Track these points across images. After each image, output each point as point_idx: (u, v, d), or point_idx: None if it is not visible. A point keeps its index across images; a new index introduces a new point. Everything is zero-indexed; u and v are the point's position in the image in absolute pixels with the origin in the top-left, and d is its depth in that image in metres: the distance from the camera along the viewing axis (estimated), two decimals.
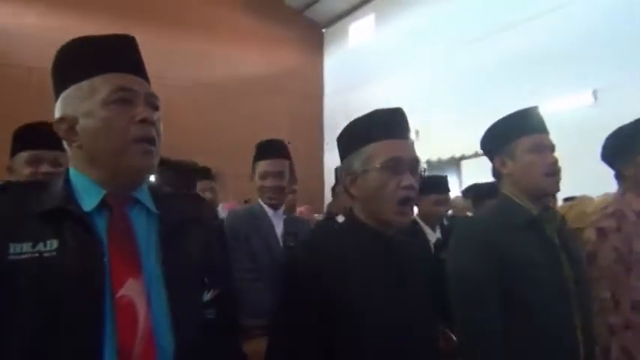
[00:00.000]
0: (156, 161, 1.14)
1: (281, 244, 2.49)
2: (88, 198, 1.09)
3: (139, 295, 1.04)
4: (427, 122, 10.65)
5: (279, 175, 2.51)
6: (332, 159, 12.12)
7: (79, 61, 1.13)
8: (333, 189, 3.84)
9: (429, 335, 1.46)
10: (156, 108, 1.15)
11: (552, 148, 1.74)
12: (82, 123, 1.10)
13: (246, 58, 12.00)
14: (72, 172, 1.14)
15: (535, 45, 8.80)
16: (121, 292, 1.03)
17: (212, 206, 2.31)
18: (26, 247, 1.00)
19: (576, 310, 1.68)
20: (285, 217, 2.59)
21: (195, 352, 1.10)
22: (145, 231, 1.13)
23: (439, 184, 3.07)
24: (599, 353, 1.83)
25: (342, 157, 1.45)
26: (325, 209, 9.00)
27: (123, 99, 1.10)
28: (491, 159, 1.84)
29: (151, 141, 1.11)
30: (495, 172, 1.84)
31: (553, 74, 8.55)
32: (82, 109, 1.10)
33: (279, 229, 2.53)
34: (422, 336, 1.40)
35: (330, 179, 9.08)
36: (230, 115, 11.21)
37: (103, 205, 1.09)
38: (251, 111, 11.53)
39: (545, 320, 1.61)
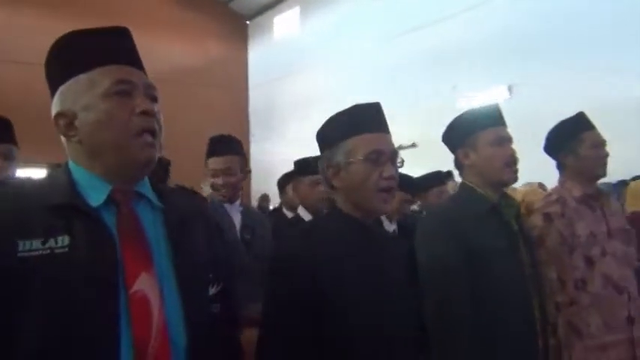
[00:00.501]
0: (158, 153, 1.12)
1: (238, 236, 2.51)
2: (94, 193, 1.07)
3: (152, 290, 1.03)
4: None
5: (228, 171, 2.53)
6: (258, 151, 12.08)
7: (76, 54, 1.10)
8: (281, 183, 3.82)
9: (411, 323, 1.52)
10: (154, 99, 1.14)
11: (510, 140, 1.87)
12: (82, 117, 1.07)
13: (171, 49, 11.72)
14: (72, 166, 1.11)
15: (454, 41, 9.20)
16: (135, 287, 1.01)
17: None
18: (36, 243, 0.97)
19: (533, 292, 1.83)
20: (242, 209, 2.60)
21: (207, 348, 1.10)
22: (152, 226, 1.11)
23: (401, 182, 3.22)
24: (549, 330, 1.99)
25: (323, 149, 1.49)
26: (258, 202, 8.99)
27: (123, 91, 1.08)
28: (454, 151, 1.95)
29: (152, 133, 1.10)
30: (457, 163, 1.95)
31: (471, 70, 8.99)
32: (81, 102, 1.07)
33: (237, 221, 2.54)
34: (405, 324, 1.46)
35: (256, 171, 9.06)
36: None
37: (109, 200, 1.07)
38: (176, 102, 11.22)
39: (507, 303, 1.73)
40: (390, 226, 2.93)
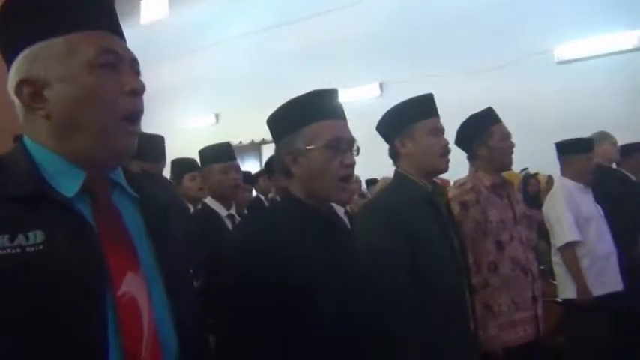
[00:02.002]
0: (136, 141, 0.98)
1: None
2: (65, 180, 0.90)
3: (140, 292, 0.90)
4: (227, 106, 10.69)
5: None
6: None
7: (49, 12, 0.92)
8: (178, 173, 3.58)
9: (369, 309, 1.53)
10: (139, 75, 0.99)
11: (444, 131, 1.95)
12: (58, 88, 0.90)
13: None
14: (32, 146, 0.92)
15: (329, 37, 9.43)
16: (122, 288, 0.87)
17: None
18: (1, 240, 0.79)
19: (463, 275, 1.93)
20: None
21: (198, 350, 1.00)
22: (132, 219, 0.97)
23: None
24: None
25: (279, 136, 1.43)
26: None
27: (109, 64, 0.92)
28: (389, 140, 1.98)
29: (139, 117, 0.96)
30: (392, 153, 1.98)
31: (345, 66, 9.27)
32: (57, 71, 0.90)
33: None
34: (365, 311, 1.47)
35: None
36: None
37: (82, 189, 0.91)
38: None
39: (444, 287, 1.81)
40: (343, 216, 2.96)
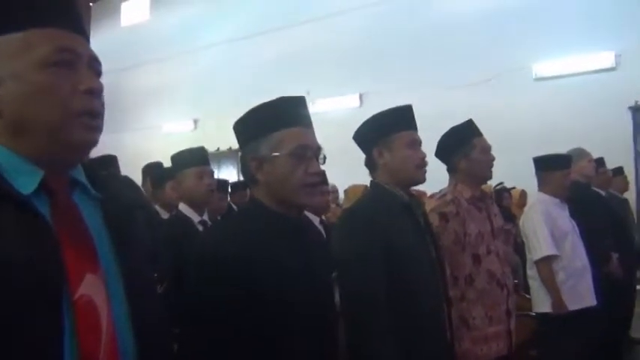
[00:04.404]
0: (99, 136, 0.94)
1: None
2: (22, 178, 0.86)
3: (99, 294, 0.86)
4: (206, 112, 10.62)
5: None
6: (99, 144, 11.11)
7: (10, 6, 0.88)
8: (159, 179, 3.50)
9: (335, 315, 1.51)
10: (99, 75, 0.95)
11: (421, 143, 1.93)
12: (9, 86, 0.86)
13: None
14: None
15: (310, 47, 9.45)
16: (80, 291, 0.83)
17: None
18: None
19: (440, 285, 1.91)
20: None
21: (159, 355, 0.96)
22: (92, 219, 0.93)
23: (322, 177, 3.21)
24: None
25: (245, 141, 1.42)
26: None
27: (64, 62, 0.89)
28: (367, 150, 1.96)
29: (97, 116, 0.92)
30: (369, 162, 1.96)
31: (325, 76, 9.30)
32: (9, 67, 0.86)
33: None
34: (331, 316, 1.45)
35: None
36: None
37: (40, 187, 0.87)
38: None
39: (422, 296, 1.79)
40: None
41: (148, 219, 1.01)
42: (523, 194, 5.64)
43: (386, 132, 1.90)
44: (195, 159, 2.67)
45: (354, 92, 9.13)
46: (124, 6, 12.08)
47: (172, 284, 1.82)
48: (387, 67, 8.67)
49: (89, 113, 0.90)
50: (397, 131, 1.89)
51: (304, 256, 1.37)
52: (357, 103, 9.14)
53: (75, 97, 0.88)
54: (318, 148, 1.40)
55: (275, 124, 1.36)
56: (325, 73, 9.30)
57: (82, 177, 0.96)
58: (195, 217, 2.58)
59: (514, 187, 6.15)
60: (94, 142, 0.92)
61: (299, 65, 9.51)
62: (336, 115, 8.51)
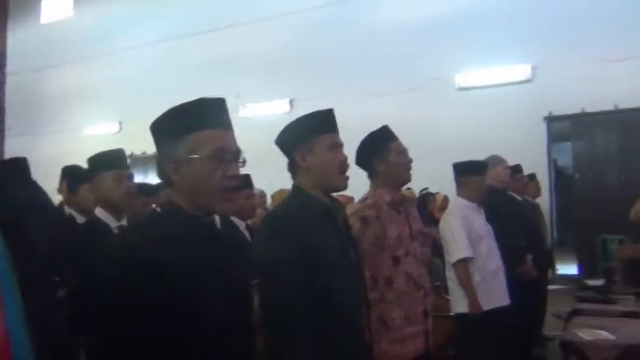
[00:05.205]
0: None
1: None
2: None
3: None
4: (131, 114, 10.27)
5: None
6: (14, 147, 10.57)
7: None
8: (75, 183, 3.33)
9: (252, 320, 1.50)
10: None
11: (342, 146, 1.96)
12: None
13: None
14: None
15: (242, 50, 9.39)
16: None
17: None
18: None
19: (360, 288, 1.94)
20: None
21: (54, 356, 0.92)
22: None
23: (247, 181, 3.21)
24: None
25: (161, 142, 1.38)
26: None
27: None
28: (289, 153, 1.96)
29: None
30: (292, 166, 1.96)
31: (255, 81, 9.27)
32: None
33: None
34: (248, 321, 1.44)
35: None
36: None
37: None
38: None
39: (341, 300, 1.80)
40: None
41: (52, 221, 0.95)
42: (445, 199, 5.83)
43: (308, 135, 1.91)
44: (112, 162, 2.58)
45: (284, 97, 9.15)
46: (44, 2, 11.51)
47: (81, 289, 1.75)
48: (317, 74, 8.76)
49: None
50: (319, 134, 1.90)
51: (221, 261, 1.35)
52: (287, 108, 9.17)
53: None
54: (238, 151, 1.38)
55: (193, 125, 1.33)
56: (255, 78, 9.26)
57: None
58: (112, 222, 2.48)
59: (438, 192, 6.36)
60: None
61: (228, 69, 9.41)
62: (265, 120, 8.49)
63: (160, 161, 1.37)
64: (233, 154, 1.36)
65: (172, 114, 1.37)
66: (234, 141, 1.40)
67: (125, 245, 1.31)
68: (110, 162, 2.57)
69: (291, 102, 9.14)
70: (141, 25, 10.38)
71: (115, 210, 2.55)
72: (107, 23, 10.72)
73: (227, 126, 1.39)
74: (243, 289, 1.45)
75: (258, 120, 8.63)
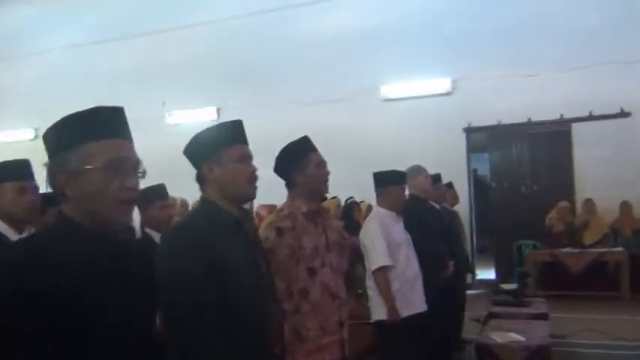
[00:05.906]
0: None
1: None
2: None
3: None
4: (49, 121, 9.60)
5: None
6: None
7: None
8: None
9: (152, 335, 1.45)
10: None
11: (252, 157, 1.94)
12: None
13: None
14: None
15: (168, 57, 9.20)
16: None
17: None
18: None
19: (270, 300, 1.92)
20: None
21: None
22: None
23: (161, 191, 3.13)
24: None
25: (54, 152, 1.31)
26: None
27: None
28: (197, 165, 1.92)
29: None
30: (199, 177, 1.93)
31: (182, 88, 9.10)
32: None
33: None
34: (150, 337, 1.39)
35: None
36: None
37: None
38: None
39: (249, 312, 1.77)
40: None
41: None
42: (369, 208, 5.94)
43: (215, 146, 1.88)
44: (15, 172, 2.44)
45: (211, 105, 9.03)
46: None
47: None
48: (245, 82, 8.73)
49: None
50: (227, 146, 1.88)
51: (120, 276, 1.29)
52: (214, 116, 9.06)
53: None
54: (137, 162, 1.33)
55: (88, 134, 1.26)
56: (182, 85, 9.10)
57: None
58: (13, 236, 2.35)
59: (363, 201, 6.46)
60: None
61: (155, 75, 9.19)
62: (192, 128, 8.19)
63: (51, 172, 1.29)
64: (131, 165, 1.31)
65: (65, 123, 1.29)
66: (133, 151, 1.34)
67: (8, 262, 1.22)
68: (12, 173, 2.43)
69: (218, 110, 9.05)
70: (61, 27, 9.96)
71: (16, 223, 2.41)
72: (24, 23, 10.22)
73: (125, 136, 1.34)
74: (146, 305, 1.40)
75: (184, 127, 8.46)
